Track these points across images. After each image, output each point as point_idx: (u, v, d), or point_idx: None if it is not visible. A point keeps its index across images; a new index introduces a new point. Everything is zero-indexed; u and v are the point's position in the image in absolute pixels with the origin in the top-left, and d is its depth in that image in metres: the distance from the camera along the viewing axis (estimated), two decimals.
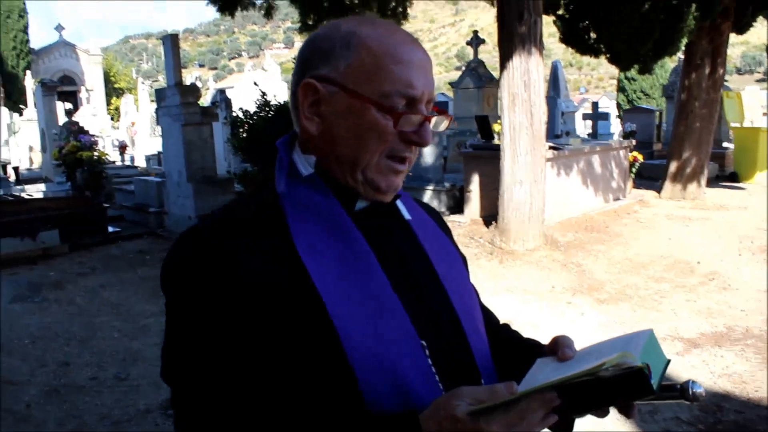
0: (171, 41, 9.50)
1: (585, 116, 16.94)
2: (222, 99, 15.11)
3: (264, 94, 7.95)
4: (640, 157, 12.31)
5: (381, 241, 1.11)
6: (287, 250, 1.02)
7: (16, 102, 26.51)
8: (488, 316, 1.36)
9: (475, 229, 9.08)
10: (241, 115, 8.13)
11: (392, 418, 0.96)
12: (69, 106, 19.14)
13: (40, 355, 5.18)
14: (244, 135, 7.88)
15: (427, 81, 1.08)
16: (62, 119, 14.41)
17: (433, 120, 1.13)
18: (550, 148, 9.15)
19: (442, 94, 22.47)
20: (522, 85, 7.47)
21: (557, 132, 14.80)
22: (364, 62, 1.05)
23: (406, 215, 1.21)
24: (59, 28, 39.61)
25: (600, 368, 0.93)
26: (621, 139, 12.56)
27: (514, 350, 1.29)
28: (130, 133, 22.94)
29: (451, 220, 9.79)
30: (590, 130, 16.02)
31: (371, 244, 1.08)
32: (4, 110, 22.21)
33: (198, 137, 9.76)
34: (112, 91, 44.68)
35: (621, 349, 0.96)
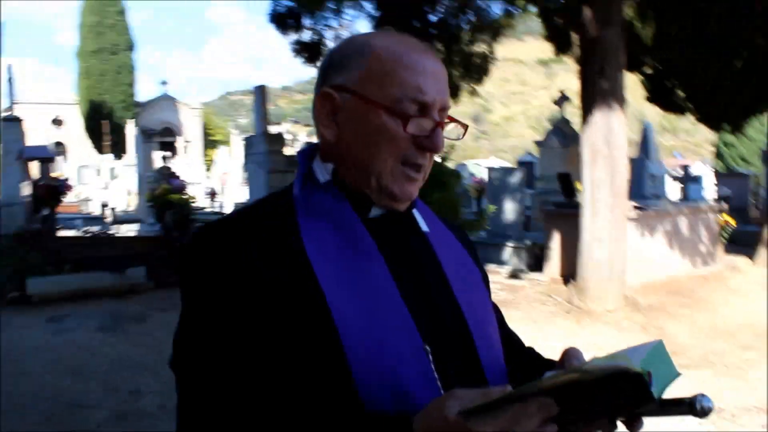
0: (260, 92, 9.93)
1: (675, 179, 16.45)
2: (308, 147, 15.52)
3: None
4: (732, 222, 11.82)
5: (393, 249, 1.11)
6: (296, 250, 1.04)
7: (120, 150, 28.08)
8: (510, 335, 1.34)
9: (554, 288, 8.90)
10: None
11: (385, 419, 0.95)
12: (167, 153, 20.10)
13: (114, 381, 5.36)
14: None
15: (439, 89, 1.10)
16: (158, 165, 15.17)
17: (449, 128, 1.14)
18: (635, 207, 8.93)
19: (530, 153, 22.36)
20: (603, 142, 7.37)
21: (645, 194, 14.43)
22: (376, 69, 1.08)
23: (424, 227, 1.22)
24: (163, 82, 42.03)
25: (590, 368, 0.89)
26: (712, 203, 12.14)
27: (530, 366, 1.26)
28: (221, 181, 23.85)
29: (530, 278, 9.65)
30: (681, 195, 15.55)
31: (383, 251, 1.08)
32: (109, 156, 23.59)
33: (282, 184, 10.06)
34: (209, 143, 46.71)
35: (624, 356, 0.92)
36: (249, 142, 10.34)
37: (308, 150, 1.19)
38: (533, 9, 8.58)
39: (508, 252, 10.48)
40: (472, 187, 16.02)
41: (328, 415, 0.97)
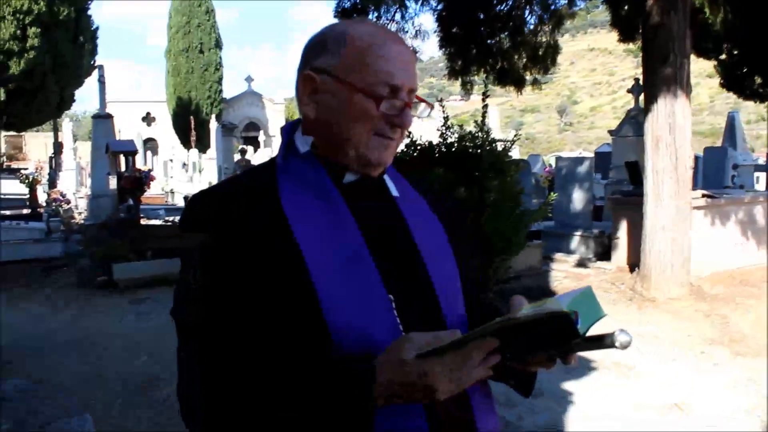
0: None
1: (758, 168, 15.82)
2: None
3: (410, 133, 8.29)
4: None
5: (364, 210, 1.27)
6: (276, 209, 1.20)
7: (205, 145, 29.03)
8: (472, 287, 1.47)
9: (619, 276, 8.82)
10: None
11: (350, 361, 1.10)
12: (245, 147, 20.72)
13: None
14: None
15: (408, 74, 1.25)
16: (236, 158, 15.72)
17: (420, 108, 1.31)
18: (703, 196, 8.75)
19: (608, 144, 21.89)
20: (666, 128, 7.28)
21: (727, 184, 13.98)
22: (353, 56, 1.23)
23: (394, 192, 1.37)
24: (249, 79, 43.11)
25: (523, 314, 1.04)
26: None
27: (487, 316, 1.42)
28: None
29: (597, 267, 9.59)
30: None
31: (355, 212, 1.24)
32: (194, 151, 24.50)
33: None
34: None
35: (555, 300, 1.08)
36: None
37: (291, 125, 1.36)
38: None
39: (576, 241, 10.42)
40: (544, 177, 15.92)
41: (300, 357, 1.12)
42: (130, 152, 10.10)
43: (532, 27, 8.61)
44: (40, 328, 7.04)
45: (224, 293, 1.14)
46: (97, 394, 5.00)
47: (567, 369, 5.50)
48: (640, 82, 13.78)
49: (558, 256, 10.21)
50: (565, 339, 1.08)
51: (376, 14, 7.94)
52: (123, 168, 10.29)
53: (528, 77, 8.83)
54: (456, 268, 1.39)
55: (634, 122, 13.67)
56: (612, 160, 14.78)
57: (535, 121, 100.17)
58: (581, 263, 9.85)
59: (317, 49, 1.28)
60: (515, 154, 24.23)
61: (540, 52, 8.65)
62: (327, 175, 1.26)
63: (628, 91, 14.09)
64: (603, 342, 1.07)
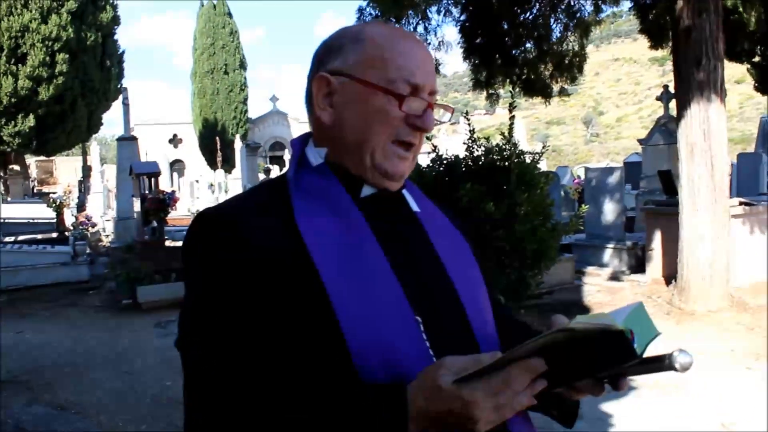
0: None
1: None
2: None
3: (435, 147, 8.14)
4: None
5: (384, 226, 1.15)
6: (289, 227, 1.08)
7: (231, 165, 29.23)
8: (499, 306, 1.36)
9: (655, 289, 8.56)
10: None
11: (381, 388, 0.98)
12: (270, 166, 20.77)
13: None
14: None
15: (428, 73, 1.17)
16: (261, 177, 15.70)
17: (441, 112, 1.22)
18: (741, 203, 8.46)
19: (637, 153, 21.56)
20: (701, 134, 7.04)
21: (762, 191, 13.60)
22: (371, 53, 1.14)
23: (414, 207, 1.26)
24: (273, 98, 43.44)
25: (575, 326, 0.91)
26: None
27: (520, 336, 1.28)
28: None
29: (631, 280, 9.33)
30: None
31: (374, 228, 1.12)
32: (220, 172, 24.64)
33: None
34: None
35: (607, 316, 0.94)
36: None
37: (302, 137, 1.25)
38: (626, 3, 8.34)
39: (608, 254, 10.15)
40: (573, 189, 15.65)
41: (324, 386, 0.99)
42: (154, 174, 10.08)
43: (557, 35, 8.45)
44: (65, 350, 7.01)
45: (238, 323, 1.03)
46: (123, 415, 4.91)
47: (607, 389, 5.31)
48: (670, 89, 13.56)
49: (590, 269, 9.96)
50: (619, 360, 0.95)
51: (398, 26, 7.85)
52: (147, 190, 10.27)
53: (554, 87, 8.65)
54: (484, 285, 1.28)
55: (664, 130, 13.42)
56: (642, 170, 14.50)
57: (561, 133, 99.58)
58: (615, 276, 9.59)
59: (331, 52, 1.19)
60: (543, 166, 24.02)
61: (566, 61, 8.45)
62: (342, 188, 1.15)
63: (657, 98, 13.85)
64: (660, 364, 0.95)
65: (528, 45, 8.36)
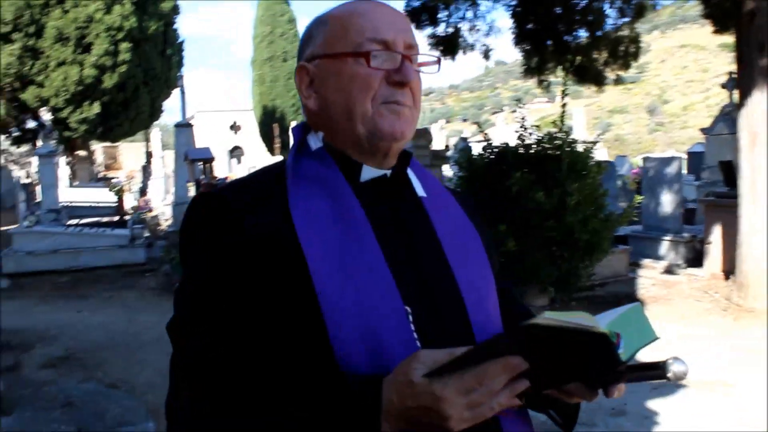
0: None
1: None
2: (464, 145, 15.54)
3: (486, 134, 8.05)
4: None
5: (384, 213, 1.13)
6: (284, 212, 1.07)
7: (288, 151, 29.47)
8: (511, 298, 1.33)
9: (713, 284, 8.30)
10: (458, 156, 8.28)
11: (357, 381, 0.96)
12: None
13: None
14: (463, 175, 8.00)
15: (398, 30, 1.13)
16: None
17: (422, 60, 1.17)
18: None
19: (700, 143, 20.89)
20: (764, 123, 6.75)
21: None
22: (334, 28, 1.14)
23: (420, 192, 1.22)
24: None
25: (548, 321, 0.85)
26: None
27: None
28: None
29: (688, 273, 9.07)
30: None
31: (373, 215, 1.10)
32: (278, 158, 24.89)
33: None
34: None
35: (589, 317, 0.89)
36: None
37: (304, 124, 1.23)
38: None
39: (664, 246, 9.88)
40: (632, 179, 15.28)
41: (303, 377, 0.98)
42: (207, 159, 10.24)
43: (612, 21, 8.21)
44: (120, 330, 7.24)
45: (219, 305, 1.03)
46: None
47: (653, 384, 5.17)
48: (735, 76, 13.07)
49: (646, 262, 9.72)
50: (603, 365, 0.90)
51: (446, 13, 7.77)
52: (202, 175, 10.45)
53: (609, 75, 8.40)
54: (490, 275, 1.23)
55: (728, 119, 12.95)
56: (705, 160, 14.05)
57: (624, 122, 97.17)
58: (670, 270, 9.33)
59: (305, 42, 1.21)
60: (603, 155, 23.51)
61: (621, 48, 8.21)
62: (340, 172, 1.12)
63: (722, 86, 13.38)
64: (653, 371, 0.92)
65: (581, 31, 8.15)
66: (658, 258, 9.84)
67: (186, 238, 1.13)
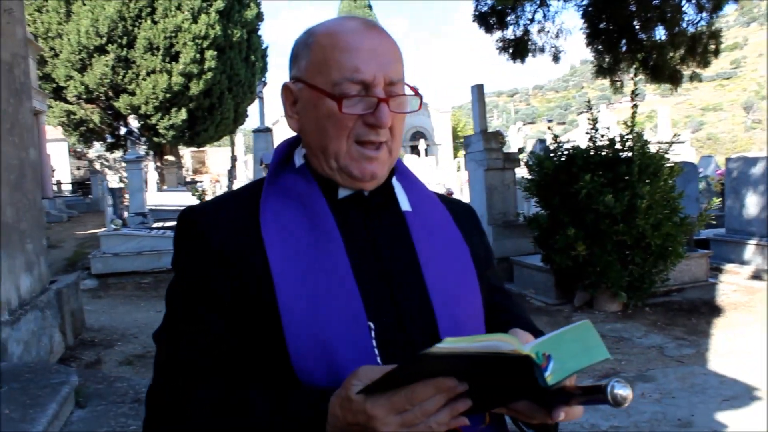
0: (477, 92, 9.97)
1: None
2: (541, 147, 15.26)
3: (556, 137, 7.90)
4: None
5: (359, 227, 1.15)
6: (253, 226, 1.12)
7: None
8: (503, 308, 1.31)
9: None
10: (527, 158, 8.16)
11: (308, 394, 0.99)
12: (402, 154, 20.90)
13: None
14: (533, 178, 7.89)
15: (380, 63, 1.10)
16: None
17: (401, 101, 1.14)
18: None
19: None
20: None
21: None
22: (317, 57, 1.12)
23: (405, 205, 1.22)
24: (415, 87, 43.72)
25: (430, 352, 0.84)
26: None
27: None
28: (458, 182, 24.30)
29: None
30: None
31: (347, 229, 1.12)
32: None
33: (500, 182, 10.04)
34: (460, 145, 47.72)
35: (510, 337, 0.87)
36: (468, 141, 10.43)
37: (294, 139, 1.26)
38: None
39: (750, 250, 9.42)
40: (716, 180, 14.62)
41: (265, 381, 1.03)
42: None
43: (691, 17, 7.91)
44: None
45: (193, 302, 1.10)
46: None
47: (724, 395, 4.96)
48: None
49: (729, 267, 9.30)
50: (532, 387, 0.86)
51: (514, 15, 7.66)
52: None
53: (685, 72, 8.09)
54: (473, 288, 1.21)
55: None
56: None
57: (718, 120, 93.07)
58: (756, 275, 8.89)
59: (293, 59, 1.20)
60: (690, 155, 22.61)
61: (700, 44, 7.90)
62: (318, 188, 1.15)
63: None
64: (593, 395, 0.87)
65: (657, 28, 7.88)
66: (742, 263, 9.40)
67: (174, 248, 1.20)
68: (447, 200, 1.34)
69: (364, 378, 0.91)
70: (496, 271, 1.39)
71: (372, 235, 1.15)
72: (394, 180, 1.23)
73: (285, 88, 1.18)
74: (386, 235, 1.16)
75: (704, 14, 7.74)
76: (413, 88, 1.16)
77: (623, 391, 0.84)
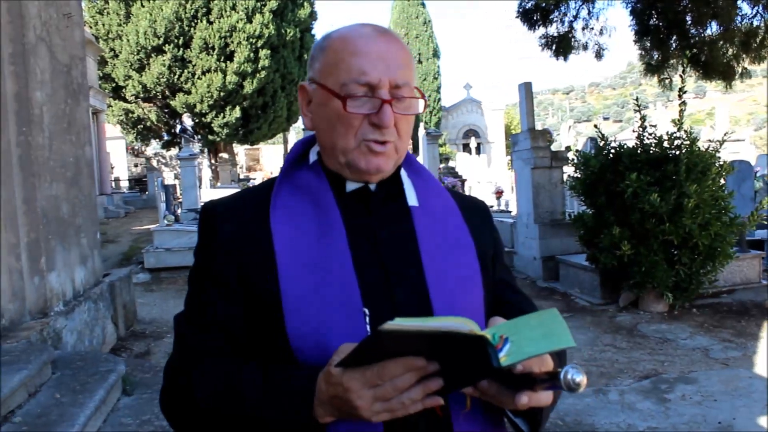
0: (525, 89, 9.92)
1: None
2: (591, 146, 15.03)
3: (603, 135, 7.81)
4: None
5: (364, 220, 1.21)
6: (264, 217, 1.21)
7: (416, 153, 29.73)
8: (509, 305, 1.33)
9: None
10: (574, 156, 8.07)
11: (303, 369, 1.08)
12: (448, 155, 20.84)
13: None
14: (579, 177, 7.81)
15: (388, 68, 1.16)
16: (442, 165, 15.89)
17: (405, 105, 1.19)
18: None
19: None
20: None
21: None
22: (329, 60, 1.20)
23: (412, 200, 1.28)
24: (467, 86, 43.45)
25: (385, 328, 0.88)
26: None
27: None
28: (510, 180, 24.14)
29: None
30: None
31: (352, 222, 1.20)
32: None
33: (547, 180, 9.97)
34: None
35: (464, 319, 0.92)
36: (515, 140, 10.38)
37: (311, 137, 1.33)
38: None
39: None
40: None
41: (261, 366, 1.11)
42: None
43: (744, 11, 7.69)
44: None
45: (202, 287, 1.21)
46: None
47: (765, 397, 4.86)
48: None
49: None
50: (484, 368, 0.91)
51: (558, 13, 7.59)
52: None
53: (737, 68, 7.88)
54: (476, 283, 1.25)
55: None
56: None
57: None
58: None
59: (311, 60, 1.27)
60: (749, 154, 21.89)
61: (756, 39, 7.68)
62: (327, 183, 1.23)
63: None
64: (548, 380, 0.91)
65: (710, 24, 7.70)
66: None
67: (198, 236, 1.30)
68: (459, 196, 1.39)
69: (343, 354, 0.98)
70: (506, 266, 1.43)
71: (374, 227, 1.21)
72: (403, 175, 1.29)
73: (301, 88, 1.26)
74: (389, 228, 1.23)
75: (760, 8, 7.53)
76: (419, 91, 1.22)
77: (577, 377, 0.87)
